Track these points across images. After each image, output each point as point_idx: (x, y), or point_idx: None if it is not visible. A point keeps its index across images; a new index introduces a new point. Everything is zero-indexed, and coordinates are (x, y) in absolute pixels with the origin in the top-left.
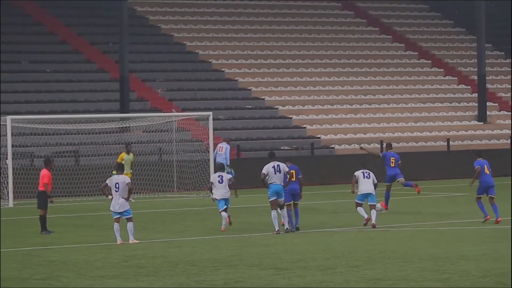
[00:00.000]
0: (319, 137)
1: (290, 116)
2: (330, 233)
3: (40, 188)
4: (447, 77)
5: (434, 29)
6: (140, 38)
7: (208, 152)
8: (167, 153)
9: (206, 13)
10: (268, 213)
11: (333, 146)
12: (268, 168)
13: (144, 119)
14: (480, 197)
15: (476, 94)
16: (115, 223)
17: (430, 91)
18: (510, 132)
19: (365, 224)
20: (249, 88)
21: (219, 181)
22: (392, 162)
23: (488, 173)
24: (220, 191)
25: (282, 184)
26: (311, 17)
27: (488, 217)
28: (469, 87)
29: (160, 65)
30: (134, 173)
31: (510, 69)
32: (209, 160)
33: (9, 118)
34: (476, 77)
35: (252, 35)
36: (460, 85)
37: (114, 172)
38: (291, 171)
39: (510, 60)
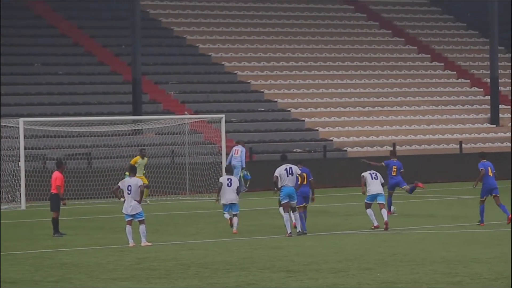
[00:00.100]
0: (332, 140)
1: (303, 118)
2: (342, 235)
3: (53, 191)
4: (459, 80)
5: (447, 31)
6: (153, 40)
7: (221, 154)
8: (180, 155)
9: (219, 16)
10: (280, 216)
11: (345, 148)
12: (280, 171)
13: (156, 121)
14: (484, 200)
15: (489, 96)
16: (127, 226)
17: (443, 93)
18: None
19: (372, 228)
20: (262, 90)
21: (228, 184)
22: (394, 171)
23: (491, 175)
24: (228, 195)
25: (295, 186)
26: (323, 19)
27: (483, 224)
28: (482, 89)
29: (172, 67)
30: (146, 176)
31: None
32: (221, 162)
33: (21, 120)
34: (488, 80)
35: (264, 37)
36: (473, 87)
37: (127, 173)
38: (303, 174)
39: None
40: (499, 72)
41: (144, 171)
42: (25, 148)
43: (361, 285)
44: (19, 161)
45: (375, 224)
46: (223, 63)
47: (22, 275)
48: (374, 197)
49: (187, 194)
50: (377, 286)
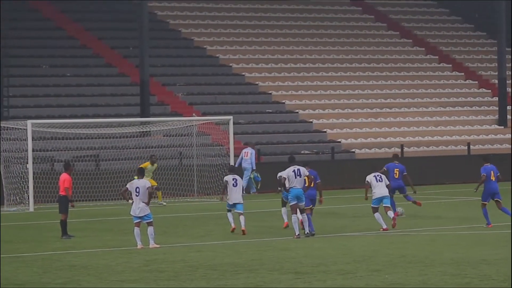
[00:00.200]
0: (340, 141)
1: (311, 120)
2: (351, 237)
3: (61, 193)
4: (467, 81)
5: (455, 33)
6: (161, 42)
7: (229, 156)
8: (188, 157)
9: (227, 17)
10: (288, 217)
11: (353, 150)
12: (288, 172)
13: (164, 123)
14: (485, 203)
15: (497, 98)
16: (135, 228)
17: (451, 95)
18: None
19: (393, 225)
20: (270, 92)
21: (233, 184)
22: (396, 173)
23: (494, 179)
24: (234, 195)
25: (303, 188)
26: (331, 21)
27: (490, 225)
28: (490, 91)
29: (180, 69)
30: (155, 178)
31: None
32: (229, 164)
33: (29, 122)
34: (496, 81)
35: (272, 39)
36: (481, 89)
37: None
38: (311, 176)
39: None
40: (507, 73)
41: (152, 175)
42: (33, 150)
43: (369, 287)
44: (27, 163)
45: (384, 227)
46: (231, 64)
47: (31, 277)
48: (380, 200)
49: (195, 196)
50: (385, 287)
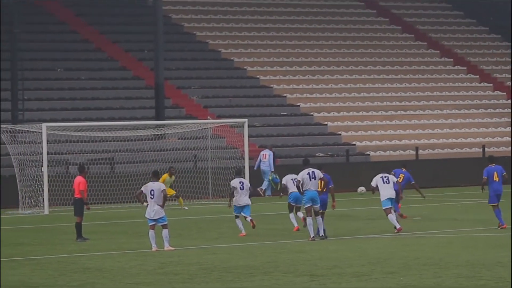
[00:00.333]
0: (354, 144)
1: (325, 123)
2: (366, 239)
3: (76, 195)
4: (482, 84)
5: (469, 35)
6: (175, 45)
7: (243, 159)
8: (202, 160)
9: (241, 20)
10: (298, 221)
11: (368, 153)
12: (303, 175)
13: (179, 126)
14: (494, 205)
15: (511, 100)
16: (150, 230)
17: (465, 97)
18: None
19: (396, 232)
20: (284, 95)
21: (240, 187)
22: (400, 178)
23: (497, 180)
24: (242, 198)
25: (317, 190)
26: (346, 23)
27: (504, 226)
28: (504, 93)
29: (195, 72)
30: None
31: None
32: (244, 167)
33: (44, 125)
34: (511, 84)
35: (287, 42)
36: (496, 91)
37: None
38: (324, 178)
39: None
40: None
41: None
42: (48, 153)
43: None
44: (42, 166)
45: (398, 227)
46: (245, 67)
47: (46, 280)
48: (389, 200)
49: (210, 198)
50: None
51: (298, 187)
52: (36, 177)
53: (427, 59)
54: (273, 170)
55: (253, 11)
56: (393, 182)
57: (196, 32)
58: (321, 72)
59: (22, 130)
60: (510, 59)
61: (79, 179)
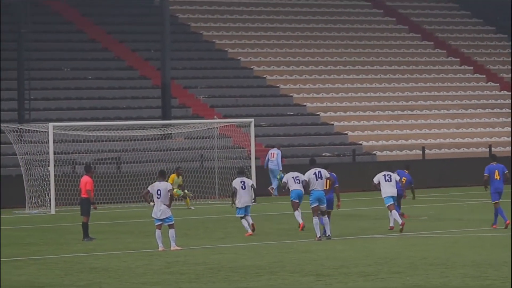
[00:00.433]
0: (361, 144)
1: (332, 122)
2: (372, 239)
3: (83, 195)
4: (489, 83)
5: (476, 35)
6: (182, 45)
7: (250, 159)
8: (209, 159)
9: (248, 20)
10: (309, 219)
11: (374, 152)
12: (309, 175)
13: (185, 125)
14: (495, 203)
15: None
16: (157, 230)
17: (472, 97)
18: None
19: (401, 230)
20: (291, 94)
21: (242, 187)
22: (404, 180)
23: (498, 178)
24: (244, 198)
25: (324, 190)
26: (353, 23)
27: (508, 221)
28: (510, 93)
29: (201, 72)
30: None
31: None
32: (250, 166)
33: (51, 125)
34: None
35: (293, 41)
36: (502, 91)
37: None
38: (331, 178)
39: None
40: None
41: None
42: (54, 153)
43: None
44: (48, 165)
45: (400, 222)
46: (252, 67)
47: (52, 280)
48: (390, 198)
49: (217, 198)
50: None
51: (304, 187)
52: (43, 176)
53: (434, 58)
54: (281, 169)
55: (259, 11)
56: (395, 181)
57: (202, 32)
58: (328, 72)
59: (29, 129)
60: None
61: (85, 178)
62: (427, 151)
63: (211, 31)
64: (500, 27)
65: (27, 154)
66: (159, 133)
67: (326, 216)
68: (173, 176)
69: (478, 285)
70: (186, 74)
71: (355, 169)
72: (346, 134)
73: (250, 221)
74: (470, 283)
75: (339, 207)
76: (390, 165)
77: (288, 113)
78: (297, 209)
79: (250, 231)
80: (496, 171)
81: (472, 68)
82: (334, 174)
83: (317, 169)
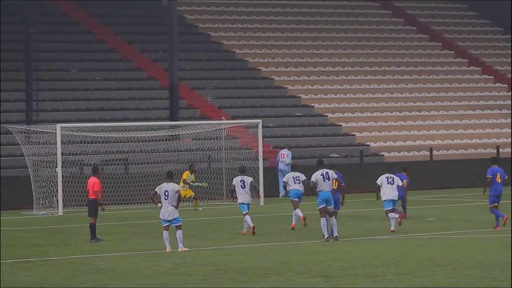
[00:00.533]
0: (369, 145)
1: (340, 123)
2: (380, 240)
3: (90, 196)
4: (497, 84)
5: (484, 36)
6: (190, 46)
7: (257, 160)
8: (216, 160)
9: (256, 21)
10: (317, 221)
11: (382, 153)
12: (317, 176)
13: (193, 126)
14: (493, 206)
15: None
16: (164, 231)
17: (480, 98)
18: None
19: (400, 223)
20: (299, 95)
21: (241, 186)
22: (405, 183)
23: (499, 181)
24: (243, 196)
25: (331, 191)
26: (361, 24)
27: (506, 216)
28: None
29: (209, 73)
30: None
31: None
32: (258, 167)
33: (59, 126)
34: None
35: (301, 42)
36: (510, 92)
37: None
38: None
39: None
40: None
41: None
42: (62, 154)
43: None
44: (56, 167)
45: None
46: (260, 68)
47: (60, 281)
48: (390, 202)
49: (224, 199)
50: None
51: (311, 188)
52: (51, 178)
53: (442, 59)
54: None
55: (267, 12)
56: (398, 185)
57: (210, 33)
58: (336, 73)
59: (37, 130)
60: None
61: (93, 179)
62: (434, 152)
63: (219, 32)
64: (508, 28)
65: (34, 155)
66: (167, 134)
67: (334, 217)
68: (187, 172)
69: (486, 286)
70: (194, 75)
71: (362, 170)
72: (354, 135)
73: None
74: (478, 284)
75: (343, 204)
76: (391, 167)
77: (296, 114)
78: (297, 207)
79: (252, 224)
80: (498, 174)
81: (480, 69)
82: (340, 174)
83: (324, 170)
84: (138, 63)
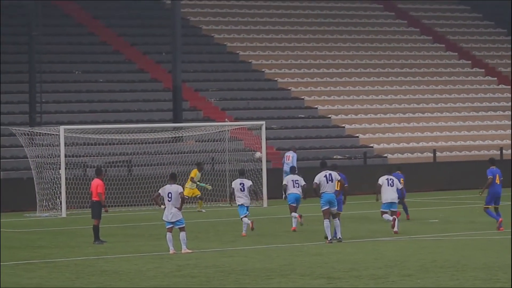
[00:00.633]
0: (372, 146)
1: (343, 125)
2: (383, 242)
3: (94, 198)
4: (500, 86)
5: (487, 37)
6: (193, 47)
7: (261, 161)
8: (220, 162)
9: (259, 23)
10: (319, 222)
11: (386, 155)
12: (320, 178)
13: (197, 128)
14: (488, 207)
15: None
16: (167, 233)
17: (483, 99)
18: None
19: (392, 226)
20: (302, 97)
21: (240, 188)
22: (402, 182)
23: (498, 182)
24: (242, 199)
25: (334, 192)
26: (364, 26)
27: (500, 219)
28: None
29: (213, 74)
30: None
31: None
32: (261, 169)
33: (62, 128)
34: None
35: (305, 44)
36: None
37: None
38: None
39: None
40: None
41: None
42: (65, 156)
43: None
44: (59, 168)
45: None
46: (263, 70)
47: (63, 283)
48: (389, 205)
49: (228, 201)
50: None
51: (315, 190)
52: (54, 179)
53: (445, 61)
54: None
55: (271, 14)
56: (397, 188)
57: (214, 35)
58: (339, 75)
59: (40, 132)
60: None
61: (96, 181)
62: (438, 153)
63: (222, 33)
64: (511, 29)
65: (38, 157)
66: (170, 136)
67: (337, 218)
68: (195, 171)
69: (489, 287)
70: (197, 77)
71: (366, 172)
72: (357, 137)
73: (249, 221)
74: (481, 286)
75: (344, 203)
76: (391, 168)
77: (299, 115)
78: (293, 211)
79: (250, 221)
80: (497, 175)
81: (483, 70)
82: (343, 175)
83: (327, 172)
84: (141, 65)
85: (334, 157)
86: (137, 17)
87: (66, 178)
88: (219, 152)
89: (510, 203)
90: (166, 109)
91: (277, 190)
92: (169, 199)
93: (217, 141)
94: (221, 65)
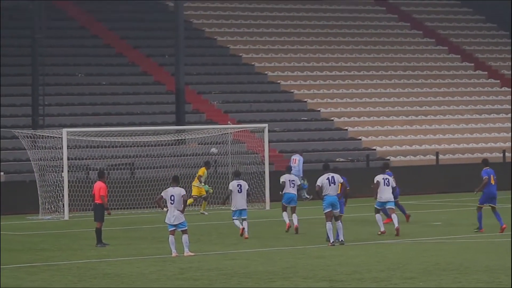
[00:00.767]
0: (375, 149)
1: (346, 128)
2: (385, 244)
3: (96, 201)
4: (503, 88)
5: (490, 40)
6: (196, 50)
7: (263, 164)
8: (223, 165)
9: (262, 25)
10: (321, 225)
11: (388, 158)
12: (322, 180)
13: (199, 131)
14: (482, 207)
15: None
16: (170, 236)
17: (486, 102)
18: None
19: (379, 234)
20: (305, 100)
21: (238, 190)
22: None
23: (493, 183)
24: (239, 202)
25: (337, 195)
26: (367, 28)
27: (482, 230)
28: None
29: (216, 77)
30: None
31: None
32: (264, 172)
33: (65, 130)
34: None
35: (308, 47)
36: None
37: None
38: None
39: None
40: None
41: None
42: (68, 159)
43: None
44: (62, 171)
45: (382, 229)
46: (266, 72)
47: (66, 286)
48: (383, 204)
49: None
50: None
51: (317, 192)
52: (56, 182)
53: (448, 63)
54: (301, 175)
55: (274, 16)
56: (393, 186)
57: (217, 37)
58: (342, 77)
59: (43, 135)
60: None
61: (99, 184)
62: (441, 156)
63: (225, 36)
64: None
65: (41, 160)
66: (173, 138)
67: (339, 221)
68: (203, 169)
69: None
70: (200, 80)
71: (368, 175)
72: (360, 139)
73: (246, 230)
74: None
75: (345, 205)
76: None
77: (302, 118)
78: (285, 211)
79: (242, 226)
80: (492, 176)
81: (486, 73)
82: (345, 178)
83: (330, 174)
84: (144, 67)
85: (337, 159)
86: (140, 20)
87: (68, 181)
88: (221, 155)
89: (511, 205)
90: (169, 111)
91: (280, 193)
92: (172, 202)
93: (219, 143)
94: (224, 68)
